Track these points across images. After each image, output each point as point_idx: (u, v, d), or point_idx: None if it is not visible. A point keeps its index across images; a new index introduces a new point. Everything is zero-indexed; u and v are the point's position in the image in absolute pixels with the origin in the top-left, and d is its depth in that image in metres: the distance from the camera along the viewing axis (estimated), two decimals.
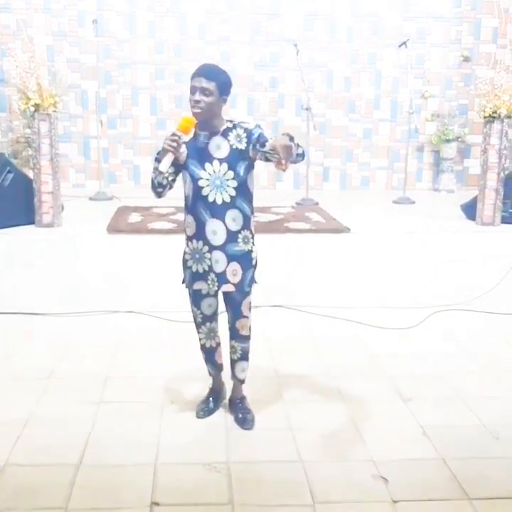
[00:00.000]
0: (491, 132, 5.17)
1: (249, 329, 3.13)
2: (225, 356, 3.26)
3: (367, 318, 4.58)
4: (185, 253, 3.07)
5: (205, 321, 3.14)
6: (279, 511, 2.51)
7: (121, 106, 7.13)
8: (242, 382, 3.23)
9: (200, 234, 2.96)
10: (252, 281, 3.04)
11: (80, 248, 4.78)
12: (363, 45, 7.23)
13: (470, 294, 4.85)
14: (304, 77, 6.19)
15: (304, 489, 2.62)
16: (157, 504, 2.51)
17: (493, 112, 5.11)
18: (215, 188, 2.90)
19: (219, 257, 2.95)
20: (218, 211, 2.91)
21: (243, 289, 3.01)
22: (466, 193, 6.57)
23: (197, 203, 2.93)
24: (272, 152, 2.63)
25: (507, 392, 3.55)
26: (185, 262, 3.08)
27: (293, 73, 6.96)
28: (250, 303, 3.09)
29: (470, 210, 5.48)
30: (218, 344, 3.23)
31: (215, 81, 2.81)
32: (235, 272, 2.97)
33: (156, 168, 2.86)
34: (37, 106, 4.71)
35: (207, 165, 2.90)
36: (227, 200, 2.90)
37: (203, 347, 3.22)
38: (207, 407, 3.25)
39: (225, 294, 3.05)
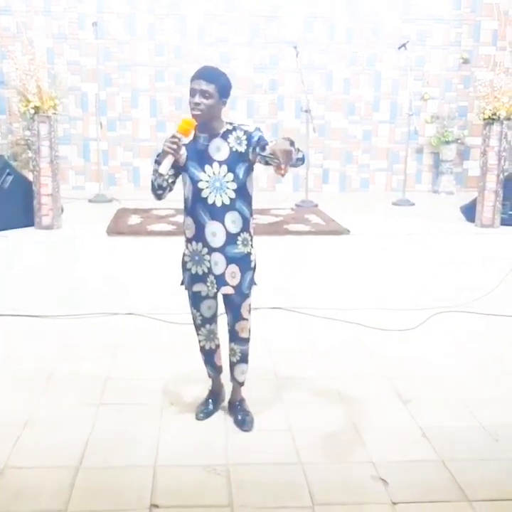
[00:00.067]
0: (491, 134, 5.17)
1: (249, 332, 3.13)
2: (224, 358, 3.26)
3: (367, 320, 4.58)
4: (184, 255, 3.07)
5: (204, 323, 3.14)
6: None
7: (121, 108, 7.14)
8: (242, 384, 3.23)
9: (199, 236, 2.96)
10: (252, 283, 3.04)
11: (80, 250, 4.78)
12: (363, 47, 7.24)
13: (470, 296, 4.85)
14: (304, 79, 6.19)
15: (303, 491, 2.62)
16: (156, 506, 2.51)
17: (492, 114, 5.12)
18: (215, 190, 2.90)
19: (218, 259, 2.95)
20: (218, 213, 2.91)
21: (242, 292, 3.01)
22: (465, 195, 6.58)
23: (196, 205, 2.93)
24: (271, 156, 2.63)
25: (507, 393, 3.55)
26: (184, 264, 3.08)
27: (292, 75, 6.97)
28: (250, 305, 3.09)
29: (469, 211, 5.49)
30: (218, 346, 3.23)
31: (215, 83, 2.81)
32: (233, 274, 2.97)
33: (156, 171, 2.86)
34: (37, 108, 4.72)
35: (207, 167, 2.90)
36: (227, 202, 2.91)
37: (202, 349, 3.22)
38: (206, 409, 3.25)
39: (224, 296, 3.05)
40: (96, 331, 4.39)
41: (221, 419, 3.21)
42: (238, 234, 2.95)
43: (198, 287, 3.04)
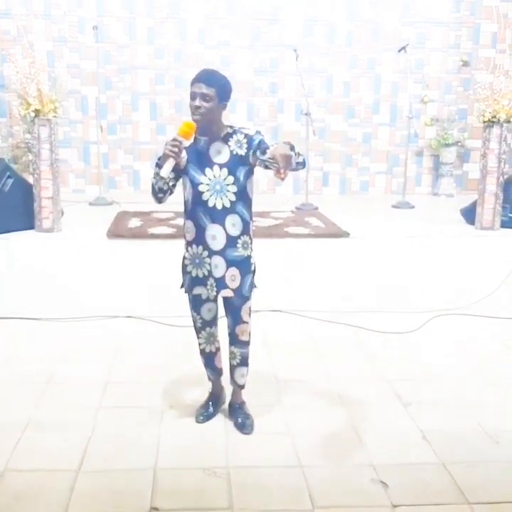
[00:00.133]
0: (490, 137, 5.18)
1: (249, 335, 3.13)
2: (224, 361, 3.26)
3: (367, 322, 4.58)
4: (184, 258, 3.08)
5: (204, 325, 3.14)
6: None
7: (121, 111, 7.15)
8: (242, 387, 3.22)
9: (199, 239, 2.96)
10: (252, 286, 3.04)
11: (80, 253, 4.79)
12: (363, 50, 7.25)
13: (470, 299, 4.85)
14: (304, 83, 6.20)
15: (303, 494, 2.62)
16: (156, 509, 2.51)
17: (492, 117, 5.12)
18: (215, 193, 2.90)
19: (218, 262, 2.96)
20: (218, 216, 2.92)
21: (242, 295, 3.01)
22: (465, 198, 6.57)
23: (197, 208, 2.94)
24: (271, 160, 2.63)
25: (507, 396, 3.55)
26: (184, 267, 3.08)
27: (292, 78, 6.98)
28: (250, 308, 3.09)
29: (469, 214, 5.49)
30: (218, 349, 3.23)
31: (215, 87, 2.82)
32: (233, 278, 2.97)
33: (157, 174, 2.86)
34: (37, 111, 4.72)
35: (207, 170, 2.90)
36: (227, 205, 2.91)
37: (202, 352, 3.22)
38: (206, 411, 3.25)
39: (224, 299, 3.05)
40: (96, 334, 4.39)
41: (221, 422, 3.21)
42: (238, 237, 2.96)
43: (198, 290, 3.04)
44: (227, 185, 2.89)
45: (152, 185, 2.94)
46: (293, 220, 5.61)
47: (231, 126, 2.94)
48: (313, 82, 7.15)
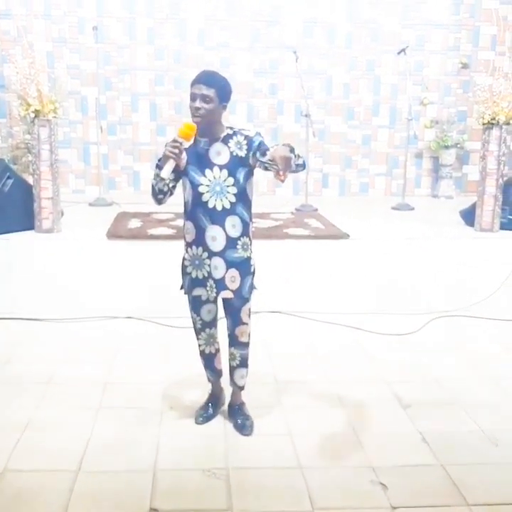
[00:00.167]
0: (490, 139, 5.19)
1: (249, 336, 3.13)
2: (224, 362, 3.26)
3: (366, 324, 4.58)
4: (184, 259, 3.08)
5: (204, 327, 3.14)
6: None
7: (121, 112, 7.16)
8: (242, 388, 3.22)
9: (199, 240, 2.96)
10: (251, 288, 3.04)
11: (80, 254, 4.79)
12: (362, 51, 7.27)
13: (469, 300, 4.86)
14: (303, 84, 6.20)
15: (303, 495, 2.62)
16: (156, 510, 2.51)
17: (491, 119, 5.14)
18: (215, 194, 2.90)
19: (218, 263, 2.96)
20: (218, 217, 2.92)
21: (242, 296, 3.01)
22: (464, 200, 6.58)
23: (197, 209, 2.94)
24: (271, 162, 2.64)
25: (506, 398, 3.55)
26: (184, 268, 3.08)
27: (292, 80, 6.99)
28: (250, 310, 3.09)
29: (469, 216, 5.50)
30: (217, 350, 3.24)
31: (215, 88, 2.82)
32: (233, 279, 2.97)
33: (157, 175, 2.86)
34: (37, 112, 4.73)
35: (207, 171, 2.90)
36: (227, 206, 2.91)
37: (202, 353, 3.22)
38: (206, 413, 3.25)
39: (224, 300, 3.05)
40: (95, 335, 4.39)
41: (221, 423, 3.21)
42: (238, 238, 2.96)
43: (197, 291, 3.04)
44: (227, 186, 2.90)
45: (152, 186, 2.94)
46: (293, 222, 5.62)
47: (231, 128, 2.94)
48: (313, 84, 7.17)
